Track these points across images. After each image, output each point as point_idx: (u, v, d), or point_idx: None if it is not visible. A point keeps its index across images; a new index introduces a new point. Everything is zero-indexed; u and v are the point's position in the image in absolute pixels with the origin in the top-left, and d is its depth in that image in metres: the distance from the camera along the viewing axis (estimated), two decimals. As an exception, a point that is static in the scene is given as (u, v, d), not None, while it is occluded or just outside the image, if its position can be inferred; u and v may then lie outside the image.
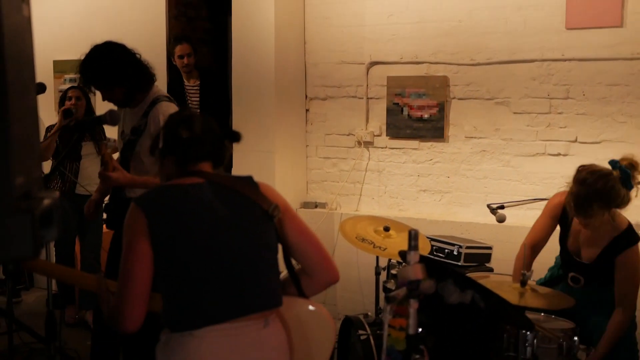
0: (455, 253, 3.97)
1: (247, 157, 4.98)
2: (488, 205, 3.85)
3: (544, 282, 3.39)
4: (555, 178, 4.34)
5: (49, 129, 4.86)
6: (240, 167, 4.99)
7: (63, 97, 4.89)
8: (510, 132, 4.63)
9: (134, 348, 3.25)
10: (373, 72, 5.07)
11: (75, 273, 2.76)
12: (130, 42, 3.33)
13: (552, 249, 3.45)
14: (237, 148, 4.82)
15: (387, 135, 5.05)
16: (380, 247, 3.47)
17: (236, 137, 2.26)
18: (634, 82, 4.25)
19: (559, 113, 4.47)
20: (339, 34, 5.14)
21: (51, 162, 4.71)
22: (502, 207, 3.78)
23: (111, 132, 4.06)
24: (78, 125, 4.15)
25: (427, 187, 4.95)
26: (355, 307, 4.81)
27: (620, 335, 3.06)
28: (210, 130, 2.14)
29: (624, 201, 2.98)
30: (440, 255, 4.04)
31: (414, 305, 1.92)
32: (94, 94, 4.60)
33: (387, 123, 5.02)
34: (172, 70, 5.63)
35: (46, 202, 1.14)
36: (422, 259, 1.97)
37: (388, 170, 5.09)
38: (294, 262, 2.19)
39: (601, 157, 3.14)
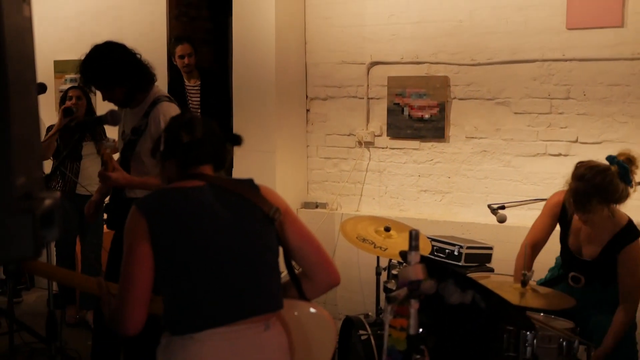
0: (455, 253, 3.97)
1: (247, 157, 4.98)
2: (489, 206, 3.85)
3: (544, 283, 3.39)
4: (556, 178, 4.34)
5: (49, 129, 4.86)
6: (241, 167, 4.99)
7: (64, 97, 4.89)
8: (511, 133, 4.63)
9: (135, 350, 3.25)
10: (374, 72, 5.07)
11: (76, 276, 2.76)
12: (130, 42, 3.33)
13: (552, 250, 3.45)
14: (237, 148, 4.81)
15: (387, 135, 5.05)
16: (381, 248, 3.47)
17: (237, 140, 2.26)
18: (634, 83, 4.24)
19: (560, 113, 4.47)
20: (340, 34, 5.14)
21: (52, 162, 4.71)
22: (502, 208, 3.79)
23: (112, 132, 4.05)
24: (79, 126, 4.15)
25: (427, 188, 4.95)
26: (356, 307, 4.80)
27: (625, 330, 3.07)
28: (211, 134, 2.14)
29: (623, 196, 3.00)
30: (441, 255, 4.04)
31: (414, 305, 1.92)
32: (95, 94, 4.60)
33: (387, 123, 5.02)
34: (173, 70, 5.63)
35: (47, 202, 1.14)
36: (423, 259, 1.96)
37: (389, 171, 5.08)
38: (294, 264, 2.19)
39: (602, 158, 3.15)
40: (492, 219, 3.86)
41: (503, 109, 4.64)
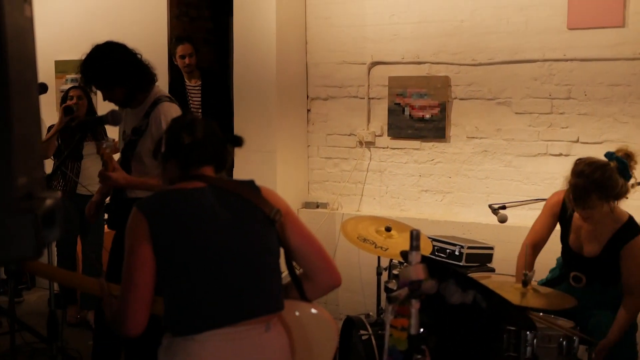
0: (456, 253, 3.97)
1: (248, 157, 4.98)
2: (490, 206, 3.85)
3: (545, 283, 3.39)
4: (556, 178, 4.34)
5: (50, 128, 4.86)
6: (242, 167, 4.99)
7: (64, 97, 4.89)
8: (511, 133, 4.63)
9: (136, 351, 3.25)
10: (374, 72, 5.07)
11: (76, 277, 2.76)
12: (131, 42, 3.33)
13: (553, 250, 3.45)
14: (238, 148, 4.82)
15: (388, 135, 5.05)
16: (381, 248, 3.47)
17: (238, 141, 2.26)
18: (635, 82, 4.24)
19: (561, 113, 4.47)
20: (340, 34, 5.14)
21: (53, 162, 4.71)
22: (503, 208, 3.79)
23: (113, 132, 4.05)
24: (80, 126, 4.15)
25: (428, 188, 4.95)
26: (357, 307, 4.81)
27: (631, 322, 3.08)
28: (212, 135, 2.14)
29: (622, 191, 3.01)
30: (442, 255, 4.04)
31: (415, 305, 1.92)
32: (95, 94, 4.60)
33: (388, 123, 5.02)
34: (174, 70, 5.64)
35: (48, 202, 1.14)
36: (424, 259, 1.96)
37: (389, 171, 5.08)
38: (295, 265, 2.19)
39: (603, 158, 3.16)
40: (493, 219, 3.86)
41: (504, 109, 4.64)
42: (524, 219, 4.17)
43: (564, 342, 2.83)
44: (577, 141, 4.43)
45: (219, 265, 1.99)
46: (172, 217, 1.99)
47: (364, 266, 4.79)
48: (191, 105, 5.50)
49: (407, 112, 4.93)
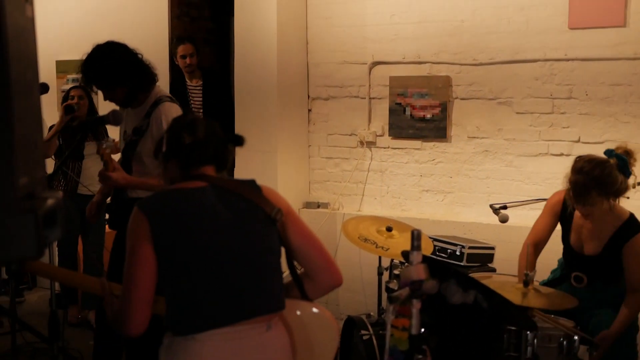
0: (457, 253, 3.97)
1: (249, 157, 4.98)
2: (491, 206, 3.85)
3: (546, 284, 3.39)
4: (558, 178, 4.32)
5: (51, 128, 4.86)
6: (243, 167, 4.99)
7: (65, 97, 4.89)
8: (512, 132, 4.62)
9: (137, 351, 3.25)
10: (375, 72, 5.07)
11: (78, 276, 2.76)
12: (132, 42, 3.33)
13: (554, 250, 3.45)
14: (239, 148, 4.82)
15: (389, 135, 5.05)
16: (382, 247, 3.47)
17: (239, 141, 2.26)
18: (637, 82, 4.24)
19: (562, 113, 4.47)
20: (341, 34, 5.14)
21: (54, 161, 4.71)
22: (504, 207, 3.79)
23: (114, 132, 4.06)
24: (81, 125, 4.15)
25: (429, 187, 4.95)
26: (358, 307, 4.81)
27: (632, 319, 3.08)
28: (213, 135, 2.14)
29: (622, 188, 3.02)
30: (443, 255, 4.04)
31: (416, 305, 1.92)
32: (96, 94, 4.61)
33: (389, 123, 5.02)
34: (175, 70, 5.64)
35: (50, 202, 1.14)
36: (425, 259, 1.96)
37: (390, 171, 5.08)
38: (296, 265, 2.19)
39: (604, 158, 3.16)
40: (494, 219, 3.86)
41: (505, 108, 4.64)
42: (525, 219, 4.17)
43: (565, 342, 2.83)
44: (578, 141, 4.43)
45: (220, 264, 1.99)
46: (173, 217, 1.99)
47: (365, 266, 4.79)
48: (192, 105, 5.50)
49: (408, 112, 4.93)
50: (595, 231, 3.17)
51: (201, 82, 5.55)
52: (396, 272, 3.78)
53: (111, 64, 3.17)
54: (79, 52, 3.26)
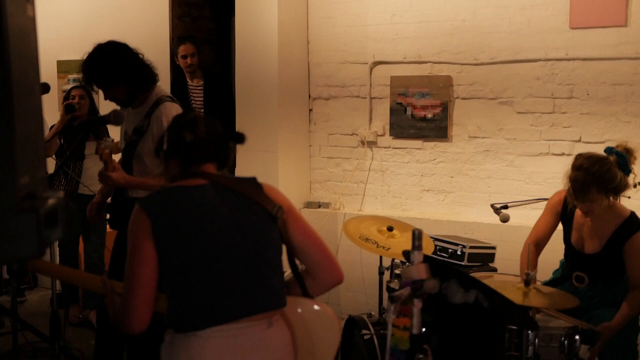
0: (458, 253, 3.97)
1: (250, 157, 4.98)
2: (492, 205, 3.85)
3: (547, 284, 3.39)
4: (559, 178, 4.31)
5: (52, 128, 4.87)
6: (244, 167, 5.00)
7: (66, 97, 4.89)
8: (513, 132, 4.62)
9: (139, 348, 3.25)
10: (376, 72, 5.07)
11: (80, 274, 2.76)
12: (133, 41, 3.33)
13: (555, 251, 3.45)
14: (240, 148, 4.76)
15: (390, 135, 5.05)
16: (383, 247, 3.47)
17: (240, 138, 2.26)
18: (638, 82, 4.24)
19: (563, 113, 4.46)
20: (342, 34, 5.15)
21: (55, 161, 4.72)
22: (505, 207, 3.79)
23: (115, 132, 4.06)
24: (82, 125, 4.15)
25: (430, 187, 4.95)
26: (359, 307, 4.81)
27: (633, 315, 3.08)
28: (214, 132, 2.14)
29: (621, 185, 3.03)
30: (444, 255, 4.04)
31: (417, 304, 1.92)
32: (97, 94, 4.61)
33: (390, 123, 5.02)
34: (176, 70, 5.64)
35: (51, 201, 1.14)
36: (426, 258, 1.97)
37: (391, 170, 5.08)
38: (298, 262, 2.19)
39: (605, 157, 3.17)
40: (495, 219, 3.86)
41: (506, 108, 4.64)
42: (526, 218, 4.17)
43: (566, 342, 2.83)
44: (579, 140, 4.43)
45: (221, 262, 1.99)
46: (174, 215, 2.00)
47: (366, 266, 4.80)
48: (193, 105, 5.50)
49: (409, 112, 4.93)
50: (596, 230, 3.18)
51: (202, 82, 5.56)
52: (397, 271, 3.78)
53: (112, 64, 3.17)
54: (80, 52, 3.26)
